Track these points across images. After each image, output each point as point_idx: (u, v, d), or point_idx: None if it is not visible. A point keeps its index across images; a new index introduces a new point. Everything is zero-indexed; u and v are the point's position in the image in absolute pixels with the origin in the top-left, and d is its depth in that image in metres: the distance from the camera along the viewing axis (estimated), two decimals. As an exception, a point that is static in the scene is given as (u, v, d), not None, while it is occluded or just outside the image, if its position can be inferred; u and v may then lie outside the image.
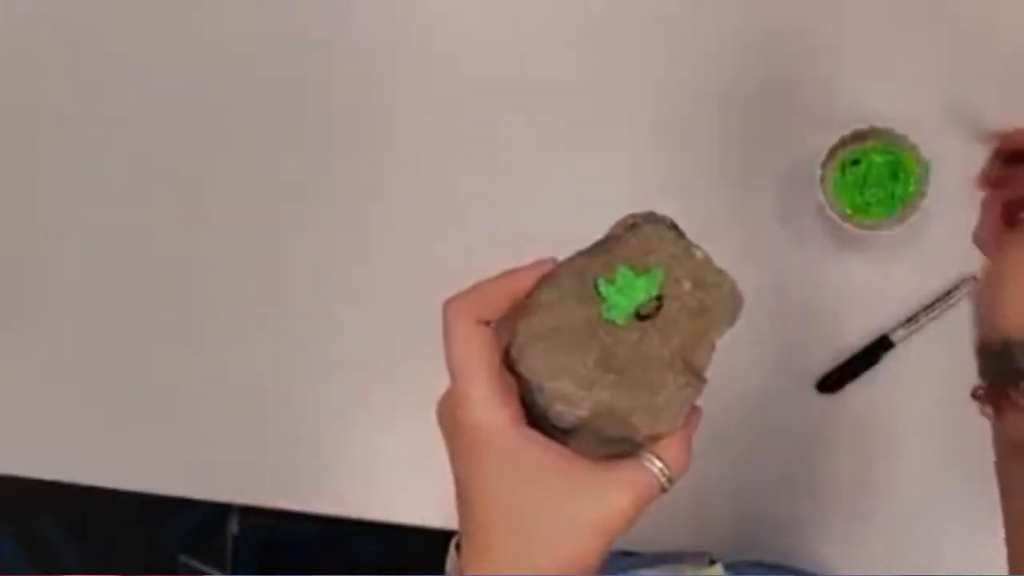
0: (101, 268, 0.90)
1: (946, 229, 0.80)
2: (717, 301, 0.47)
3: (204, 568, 1.50)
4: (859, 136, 0.78)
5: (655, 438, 0.45)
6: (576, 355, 0.45)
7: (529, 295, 0.47)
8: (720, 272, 0.47)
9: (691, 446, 0.46)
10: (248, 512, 1.49)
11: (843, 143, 0.78)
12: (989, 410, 0.61)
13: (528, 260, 0.47)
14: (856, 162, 0.79)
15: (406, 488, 0.85)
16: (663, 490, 0.45)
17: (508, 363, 0.46)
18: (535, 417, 0.46)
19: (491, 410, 0.44)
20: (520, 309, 0.47)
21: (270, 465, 0.87)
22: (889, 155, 0.79)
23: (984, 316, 0.59)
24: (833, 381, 0.82)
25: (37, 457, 0.90)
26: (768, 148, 0.84)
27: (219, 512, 1.53)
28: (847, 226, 0.78)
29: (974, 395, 0.63)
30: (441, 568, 0.54)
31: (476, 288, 0.46)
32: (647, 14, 0.86)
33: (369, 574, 1.52)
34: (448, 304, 0.46)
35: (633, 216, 0.48)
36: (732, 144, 0.84)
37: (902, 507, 0.82)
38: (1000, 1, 0.83)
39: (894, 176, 0.79)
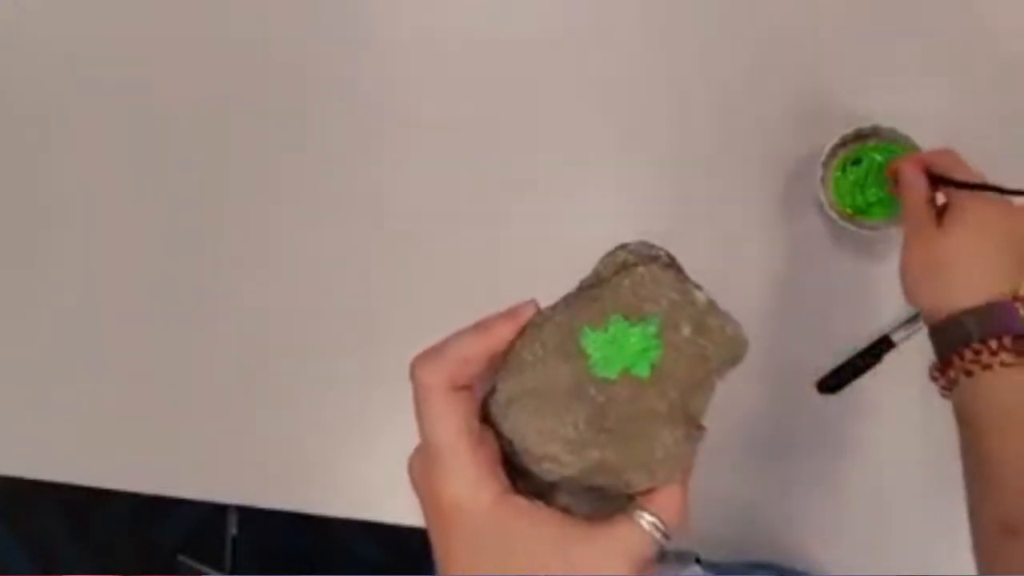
0: (101, 269, 0.90)
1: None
2: (719, 346, 0.42)
3: (203, 568, 1.50)
4: (861, 135, 0.78)
5: (649, 490, 0.42)
6: (564, 418, 0.41)
7: (510, 346, 0.42)
8: (723, 314, 0.43)
9: (687, 496, 0.43)
10: (247, 512, 1.49)
11: (844, 142, 0.78)
12: (943, 382, 0.62)
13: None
14: (857, 161, 0.79)
15: (405, 488, 0.84)
16: (660, 545, 0.42)
17: (486, 415, 0.43)
18: (516, 468, 0.42)
19: (474, 490, 0.40)
20: (499, 362, 0.42)
21: (269, 465, 0.87)
22: (890, 154, 0.78)
23: (928, 294, 0.66)
24: (833, 381, 0.82)
25: (37, 457, 0.90)
26: (769, 147, 0.83)
27: (218, 512, 1.53)
28: (847, 226, 0.78)
29: (931, 376, 0.64)
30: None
31: (448, 347, 0.41)
32: (647, 15, 0.86)
33: (368, 574, 1.52)
34: (417, 368, 0.41)
35: (624, 250, 0.43)
36: (733, 143, 0.84)
37: (902, 507, 0.82)
38: (1002, 1, 0.83)
39: (895, 175, 0.79)
